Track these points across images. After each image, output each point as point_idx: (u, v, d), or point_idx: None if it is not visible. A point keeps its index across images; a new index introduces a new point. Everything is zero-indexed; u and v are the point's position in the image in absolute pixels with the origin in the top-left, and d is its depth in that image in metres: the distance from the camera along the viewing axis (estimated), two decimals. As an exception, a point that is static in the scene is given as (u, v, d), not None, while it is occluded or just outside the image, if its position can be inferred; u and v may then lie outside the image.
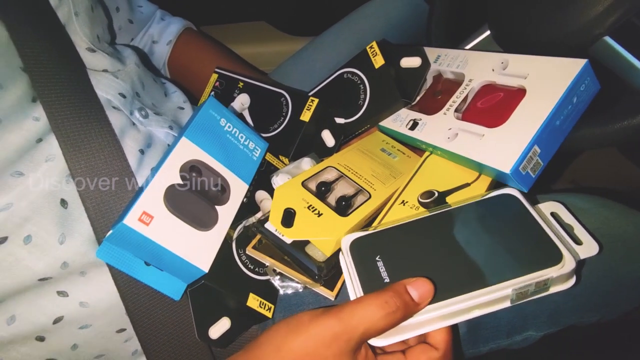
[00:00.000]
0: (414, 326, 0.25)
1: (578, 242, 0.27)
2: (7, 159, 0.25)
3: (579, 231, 0.27)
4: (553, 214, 0.29)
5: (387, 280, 0.26)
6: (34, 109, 0.27)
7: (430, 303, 0.24)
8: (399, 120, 0.38)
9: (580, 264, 0.25)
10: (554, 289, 0.25)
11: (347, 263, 0.28)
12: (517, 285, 0.24)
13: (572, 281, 0.26)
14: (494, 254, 0.26)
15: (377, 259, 0.27)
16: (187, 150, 0.31)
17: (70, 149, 0.27)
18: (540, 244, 0.26)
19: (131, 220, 0.26)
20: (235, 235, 0.33)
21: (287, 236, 0.30)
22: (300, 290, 0.32)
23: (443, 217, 0.29)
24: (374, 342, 0.24)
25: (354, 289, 0.26)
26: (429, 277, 0.25)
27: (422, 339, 0.26)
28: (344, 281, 0.32)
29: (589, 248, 0.26)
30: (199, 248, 0.29)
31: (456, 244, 0.27)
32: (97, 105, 0.30)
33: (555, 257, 0.25)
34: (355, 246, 0.28)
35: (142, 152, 0.32)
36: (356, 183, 0.34)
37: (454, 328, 0.25)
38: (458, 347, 0.33)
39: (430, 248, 0.27)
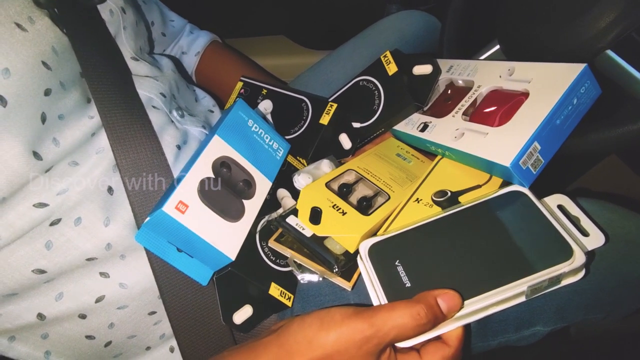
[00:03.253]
0: (434, 329, 0.25)
1: (585, 233, 0.28)
2: (65, 151, 0.29)
3: (586, 223, 0.28)
4: (560, 207, 0.30)
5: (408, 285, 0.27)
6: (89, 108, 0.31)
7: None
8: (410, 124, 0.40)
9: (590, 256, 0.26)
10: (565, 282, 0.26)
11: (367, 268, 0.29)
12: (532, 282, 0.25)
13: (582, 273, 0.27)
14: (508, 252, 0.26)
15: (396, 263, 0.28)
16: (219, 148, 0.33)
17: (117, 143, 0.30)
18: (551, 240, 0.27)
19: (169, 208, 0.28)
20: (258, 229, 0.36)
21: (317, 233, 0.32)
22: (319, 280, 0.34)
23: (456, 217, 0.30)
24: (402, 343, 0.25)
25: (377, 294, 0.27)
26: (447, 279, 0.26)
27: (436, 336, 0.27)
28: (360, 273, 0.34)
29: (596, 239, 0.27)
30: (227, 237, 0.31)
31: (470, 243, 0.28)
32: (139, 105, 0.33)
33: (566, 253, 0.25)
34: (373, 251, 0.29)
35: (178, 147, 0.35)
36: (375, 185, 0.36)
37: (466, 325, 0.26)
38: (468, 342, 0.34)
39: (447, 249, 0.28)
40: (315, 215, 0.32)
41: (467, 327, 0.31)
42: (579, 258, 0.25)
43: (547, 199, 0.30)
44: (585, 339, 0.67)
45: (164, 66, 0.41)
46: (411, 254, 0.28)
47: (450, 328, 0.26)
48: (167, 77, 0.39)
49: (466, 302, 0.25)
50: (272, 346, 0.25)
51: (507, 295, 0.25)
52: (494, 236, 0.28)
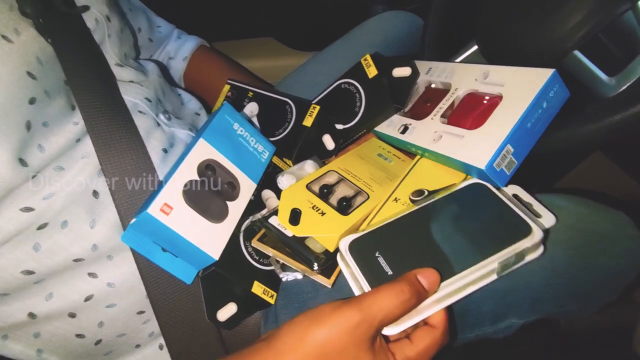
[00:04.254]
0: (419, 310, 0.27)
1: (538, 215, 0.32)
2: (51, 157, 0.30)
3: (538, 207, 0.32)
4: (515, 195, 0.33)
5: (390, 272, 0.28)
6: (74, 115, 0.32)
7: None
8: (392, 126, 0.41)
9: (546, 233, 0.30)
10: (528, 258, 0.30)
11: (348, 263, 0.30)
12: (501, 258, 0.28)
13: (541, 249, 0.30)
14: (476, 235, 0.30)
15: (376, 255, 0.29)
16: (204, 151, 0.34)
17: (102, 148, 0.31)
18: (512, 221, 0.30)
19: (154, 210, 0.29)
20: (242, 229, 0.37)
21: (295, 233, 0.33)
22: (300, 278, 0.35)
23: (427, 210, 0.32)
24: (387, 331, 0.26)
25: (361, 285, 0.28)
26: (425, 264, 0.27)
27: (422, 322, 0.28)
28: (340, 270, 0.35)
29: (548, 219, 0.31)
30: (211, 238, 0.32)
31: (442, 231, 0.30)
32: (124, 111, 0.34)
33: (526, 230, 0.29)
34: (353, 247, 0.31)
35: (165, 150, 0.37)
36: (355, 185, 0.37)
37: (448, 307, 0.28)
38: (453, 325, 0.35)
39: (422, 238, 0.30)
40: (295, 217, 0.33)
41: (450, 311, 0.32)
42: (537, 234, 0.29)
43: (503, 189, 0.33)
44: (574, 330, 0.68)
45: (149, 71, 0.42)
46: (390, 245, 0.30)
47: (434, 310, 0.27)
48: (152, 81, 0.40)
49: (444, 283, 0.27)
50: (262, 350, 0.24)
51: (481, 274, 0.28)
52: (462, 223, 0.31)
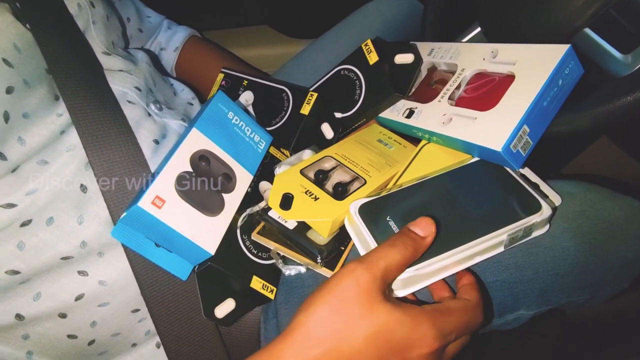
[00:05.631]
0: (429, 274, 0.28)
1: (545, 196, 0.32)
2: (33, 150, 0.28)
3: (544, 187, 0.34)
4: (522, 176, 0.34)
5: None
6: (58, 106, 0.30)
7: (440, 253, 0.27)
8: (395, 110, 0.39)
9: (554, 212, 0.31)
10: (535, 234, 0.31)
11: (358, 225, 0.29)
12: (510, 231, 0.29)
13: (547, 227, 0.32)
14: (488, 208, 0.30)
15: (387, 219, 0.30)
16: (197, 141, 0.33)
17: (89, 139, 0.30)
18: (522, 197, 0.31)
19: (145, 203, 0.28)
20: (240, 223, 0.35)
21: (285, 217, 0.32)
22: (303, 271, 0.34)
23: (441, 179, 0.33)
24: (399, 292, 0.28)
25: (371, 246, 0.28)
26: (438, 230, 0.27)
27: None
28: (343, 262, 0.34)
29: (555, 199, 0.33)
30: (206, 232, 0.31)
31: (455, 200, 0.31)
32: (112, 100, 0.32)
33: (536, 207, 0.30)
34: (364, 210, 0.30)
35: (156, 142, 0.35)
36: (352, 171, 0.36)
37: (481, 287, 0.29)
38: (489, 302, 0.34)
39: (434, 206, 0.31)
40: (286, 201, 0.32)
41: (484, 291, 0.33)
42: (546, 211, 0.30)
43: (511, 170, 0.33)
44: (582, 319, 0.67)
45: (139, 60, 0.40)
46: (402, 210, 0.30)
47: (444, 275, 0.28)
48: (142, 70, 0.38)
49: (453, 250, 0.28)
50: (279, 344, 0.23)
51: (489, 244, 0.29)
52: (474, 194, 0.32)
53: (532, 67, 0.31)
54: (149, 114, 0.36)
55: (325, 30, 0.57)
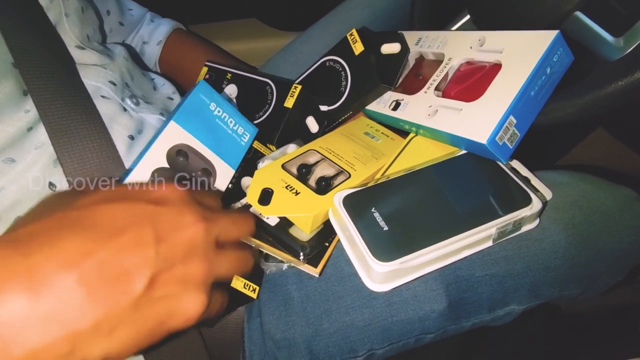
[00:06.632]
0: (415, 268, 0.27)
1: (535, 190, 0.32)
2: None
3: (535, 181, 0.33)
4: (512, 169, 0.33)
5: (385, 228, 0.28)
6: (25, 102, 0.29)
7: (426, 245, 0.26)
8: (382, 103, 0.38)
9: (544, 206, 0.31)
10: (524, 228, 0.30)
11: (342, 217, 0.29)
12: (499, 224, 0.28)
13: (537, 221, 0.31)
14: (477, 200, 0.29)
15: (372, 210, 0.29)
16: (175, 135, 0.32)
17: (58, 135, 0.28)
18: (513, 190, 0.30)
19: (117, 201, 0.27)
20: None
21: (264, 213, 0.31)
22: (285, 269, 0.33)
23: (428, 171, 0.32)
24: (384, 286, 0.27)
25: (355, 238, 0.27)
26: (424, 223, 0.28)
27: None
28: (327, 258, 0.33)
29: (545, 193, 0.32)
30: (184, 229, 0.30)
31: (443, 193, 0.30)
32: (84, 95, 0.31)
33: (526, 200, 0.29)
34: (348, 201, 0.30)
35: (132, 137, 0.34)
36: (337, 164, 0.35)
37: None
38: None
39: (421, 198, 0.30)
40: (265, 196, 0.31)
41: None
42: (536, 204, 0.29)
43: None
44: (576, 313, 0.66)
45: (116, 54, 0.38)
46: (387, 202, 0.29)
47: (431, 269, 0.27)
48: (118, 65, 0.37)
49: (441, 243, 0.27)
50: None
51: (478, 238, 0.28)
52: (463, 187, 0.31)
53: (519, 55, 0.30)
54: (125, 109, 0.34)
55: (313, 23, 0.56)
